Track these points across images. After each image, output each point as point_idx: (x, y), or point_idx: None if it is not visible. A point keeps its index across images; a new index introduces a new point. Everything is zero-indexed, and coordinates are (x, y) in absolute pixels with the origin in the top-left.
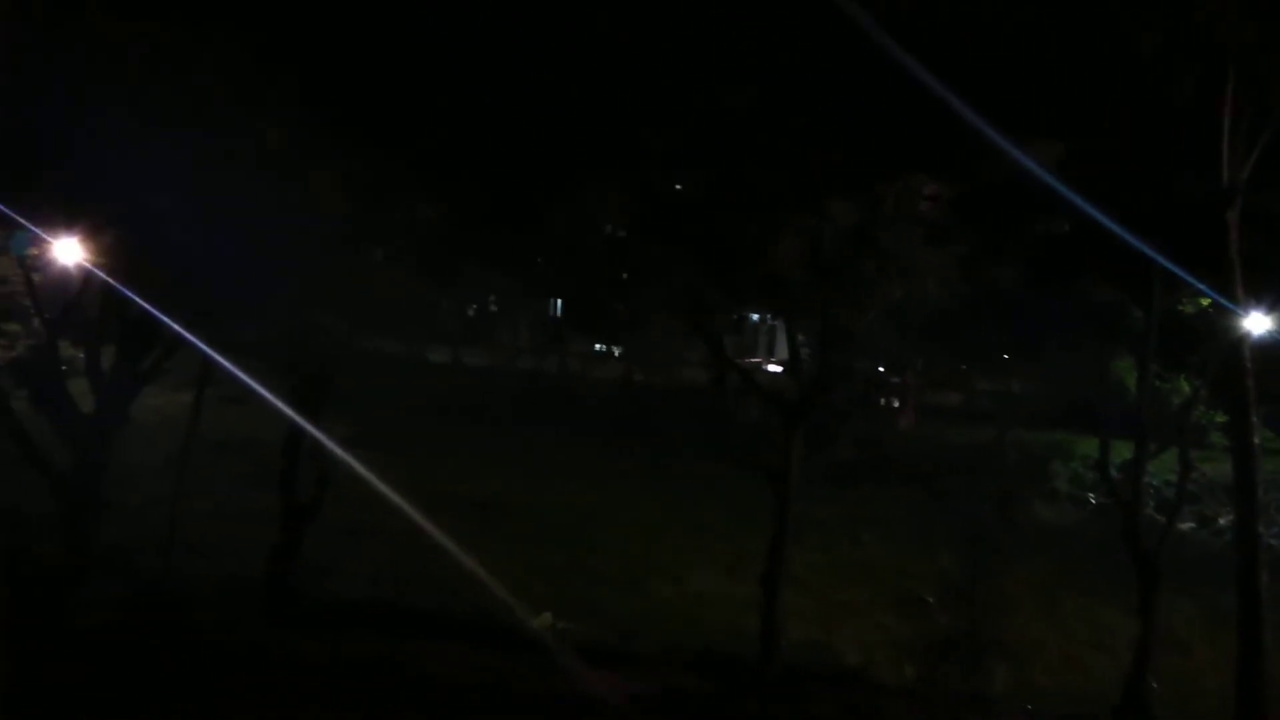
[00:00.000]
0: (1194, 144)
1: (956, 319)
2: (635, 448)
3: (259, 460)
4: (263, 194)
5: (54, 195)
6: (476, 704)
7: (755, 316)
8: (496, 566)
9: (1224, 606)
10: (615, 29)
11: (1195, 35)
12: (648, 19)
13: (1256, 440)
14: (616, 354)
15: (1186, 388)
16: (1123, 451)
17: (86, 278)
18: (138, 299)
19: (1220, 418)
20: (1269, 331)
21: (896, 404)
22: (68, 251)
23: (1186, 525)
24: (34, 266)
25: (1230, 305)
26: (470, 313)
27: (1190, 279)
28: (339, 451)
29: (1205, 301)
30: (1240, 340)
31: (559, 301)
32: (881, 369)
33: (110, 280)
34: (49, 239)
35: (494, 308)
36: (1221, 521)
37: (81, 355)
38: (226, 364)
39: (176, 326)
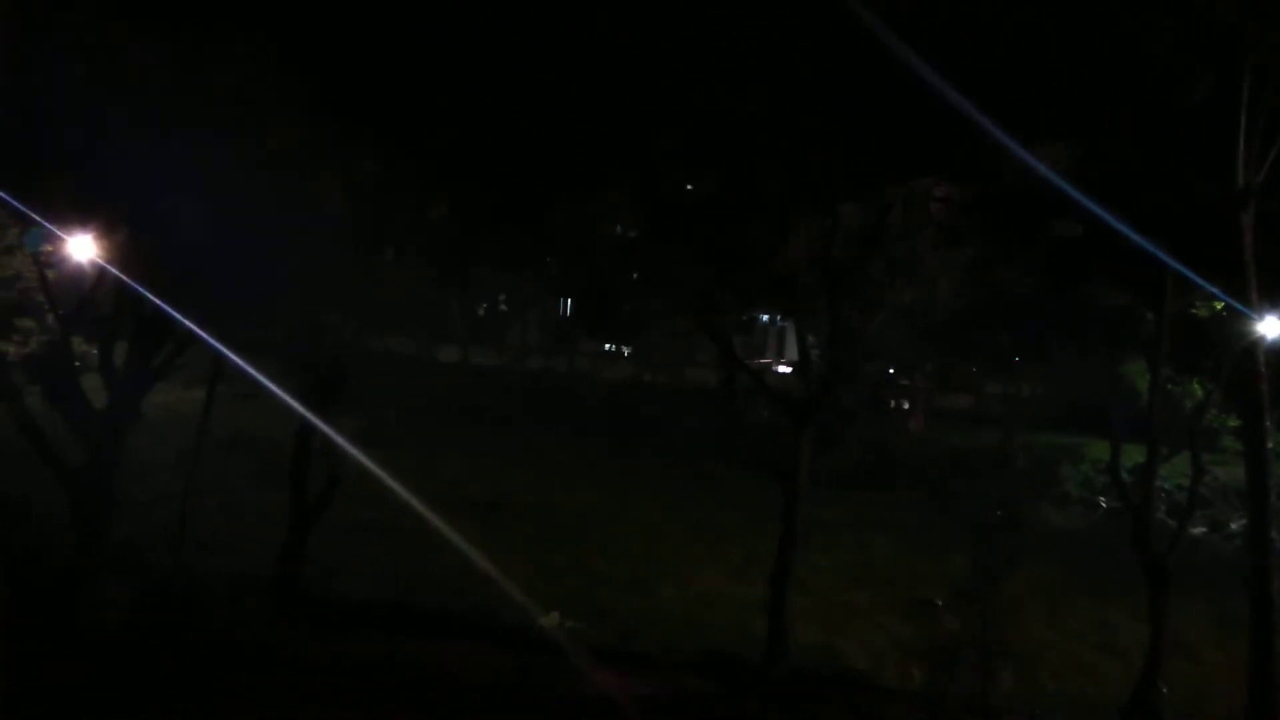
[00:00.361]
0: (1208, 146)
1: (966, 321)
2: (643, 448)
3: (269, 457)
4: (273, 194)
5: (68, 193)
6: (484, 703)
7: (764, 317)
8: (503, 566)
9: (1235, 612)
10: (624, 30)
11: (1210, 36)
12: (657, 20)
13: (1269, 445)
14: (625, 354)
15: (1199, 391)
16: (1133, 455)
17: (100, 275)
18: (150, 296)
19: (1233, 422)
20: None
21: (905, 406)
22: (81, 249)
23: (1198, 530)
24: (48, 263)
25: (1244, 309)
26: (479, 312)
27: (1203, 282)
28: (350, 450)
29: (1219, 305)
30: (1254, 344)
31: (568, 301)
32: (891, 371)
33: (123, 277)
34: (63, 236)
35: (503, 307)
36: (1233, 526)
37: (95, 352)
38: (238, 361)
39: (188, 324)
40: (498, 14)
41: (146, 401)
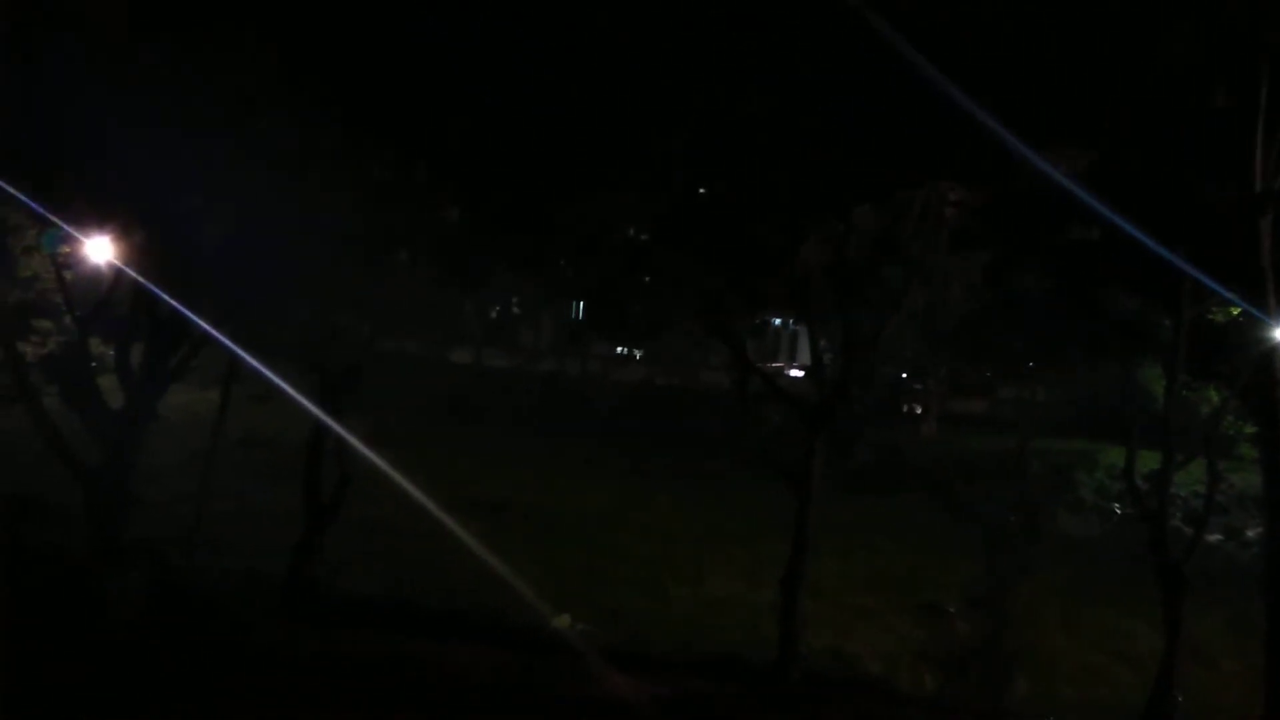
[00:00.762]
0: (1225, 151)
1: (979, 326)
2: (654, 450)
3: (282, 457)
4: (287, 196)
5: (86, 195)
6: (495, 704)
7: (777, 321)
8: (512, 566)
9: (1251, 619)
10: (636, 33)
11: (1228, 40)
12: (669, 23)
13: None
14: (638, 357)
15: (1215, 397)
16: (1149, 461)
17: (117, 276)
18: (167, 298)
19: (1249, 429)
20: None
21: (919, 411)
22: (99, 250)
23: (1214, 537)
24: (66, 264)
25: (1261, 315)
26: (492, 315)
27: (1220, 288)
28: (362, 450)
29: (1236, 310)
30: (1271, 350)
31: (580, 304)
32: (904, 375)
33: (140, 279)
34: (81, 237)
35: (516, 310)
36: (1249, 534)
37: (111, 352)
38: (253, 362)
39: (204, 325)
40: (509, 16)
41: (163, 402)
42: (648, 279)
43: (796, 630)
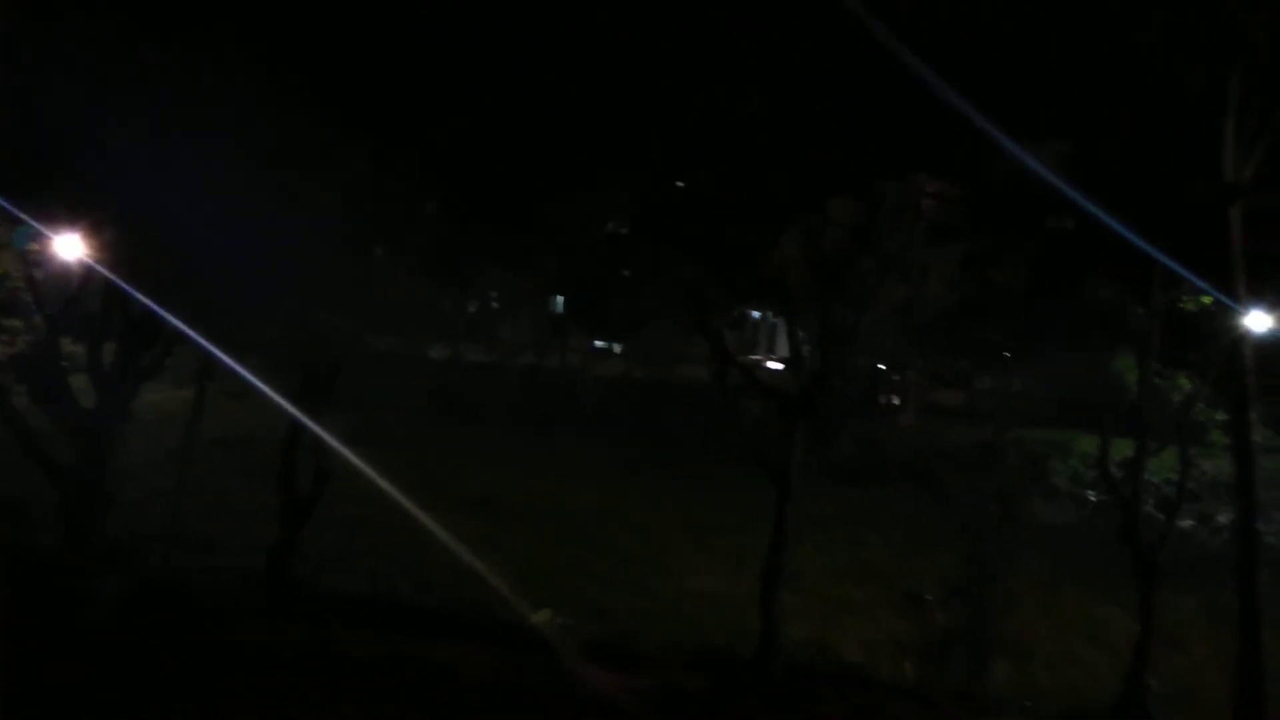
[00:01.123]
0: (1197, 142)
1: (957, 317)
2: (635, 444)
3: (259, 455)
4: (263, 191)
5: (56, 191)
6: (477, 701)
7: (756, 314)
8: (495, 563)
9: (1223, 604)
10: (617, 29)
11: (1200, 32)
12: (649, 17)
13: (1256, 438)
14: (617, 351)
15: (1187, 385)
16: (1122, 449)
17: (88, 273)
18: (139, 295)
19: (1220, 416)
20: (1270, 330)
21: (897, 402)
22: (69, 247)
23: (1186, 523)
24: (35, 262)
25: (1231, 303)
26: (471, 309)
27: (1192, 277)
28: (339, 447)
29: (1207, 299)
30: (1241, 338)
31: (560, 299)
32: (882, 367)
33: (111, 276)
34: (50, 234)
35: (495, 305)
36: (1221, 519)
37: (83, 351)
38: (228, 360)
39: (178, 323)
40: (490, 11)
41: (137, 401)
42: (628, 273)
43: (777, 622)
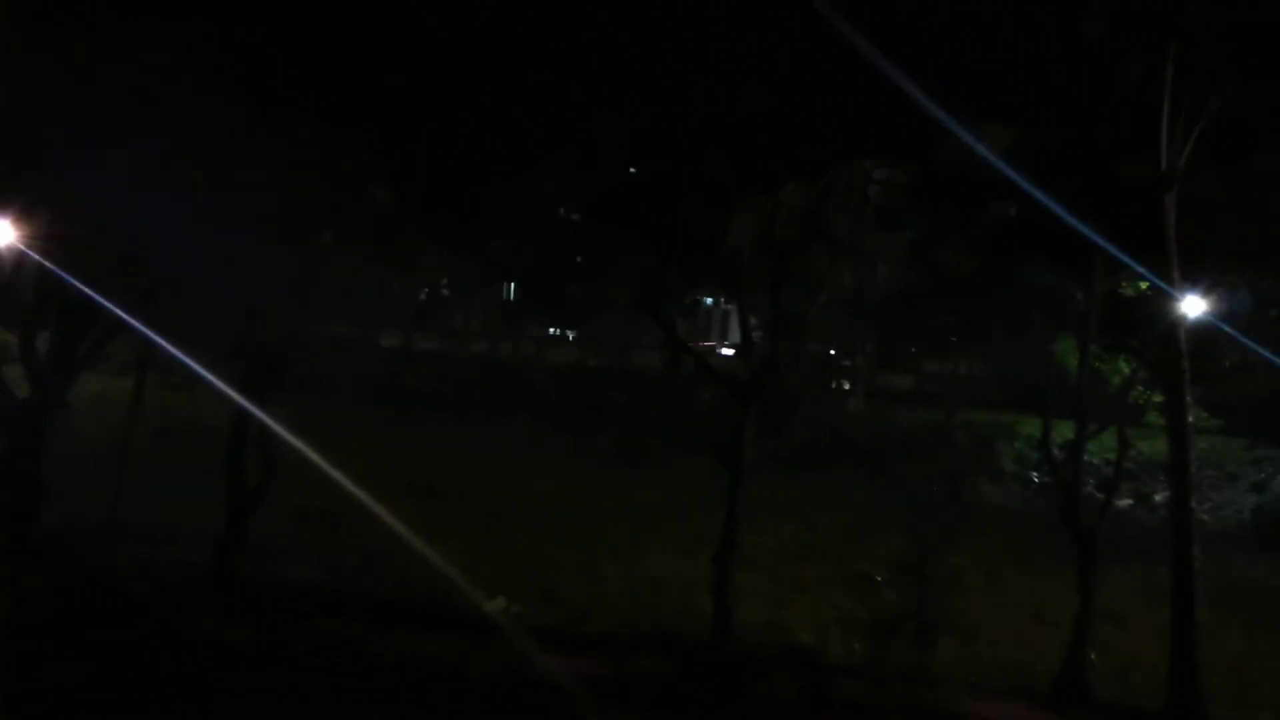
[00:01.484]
0: (1136, 130)
1: (906, 302)
2: (589, 431)
3: (203, 447)
4: (205, 173)
5: None
6: (428, 688)
7: (709, 300)
8: (448, 552)
9: (1159, 580)
10: (569, 11)
11: (1138, 22)
12: (600, 4)
13: (1190, 420)
14: (570, 338)
15: (1125, 368)
16: (1064, 431)
17: (19, 259)
18: (74, 281)
19: (1157, 398)
20: (1204, 314)
21: (846, 386)
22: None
23: (1124, 502)
24: None
25: (1167, 288)
26: (422, 296)
27: (1130, 261)
28: (287, 437)
29: (1144, 284)
30: (1176, 322)
31: (512, 285)
32: (832, 352)
33: (44, 262)
34: None
35: (445, 291)
36: (1157, 498)
37: (15, 339)
38: (169, 349)
39: (116, 310)
40: None
41: (74, 392)
42: (580, 259)
43: (730, 605)
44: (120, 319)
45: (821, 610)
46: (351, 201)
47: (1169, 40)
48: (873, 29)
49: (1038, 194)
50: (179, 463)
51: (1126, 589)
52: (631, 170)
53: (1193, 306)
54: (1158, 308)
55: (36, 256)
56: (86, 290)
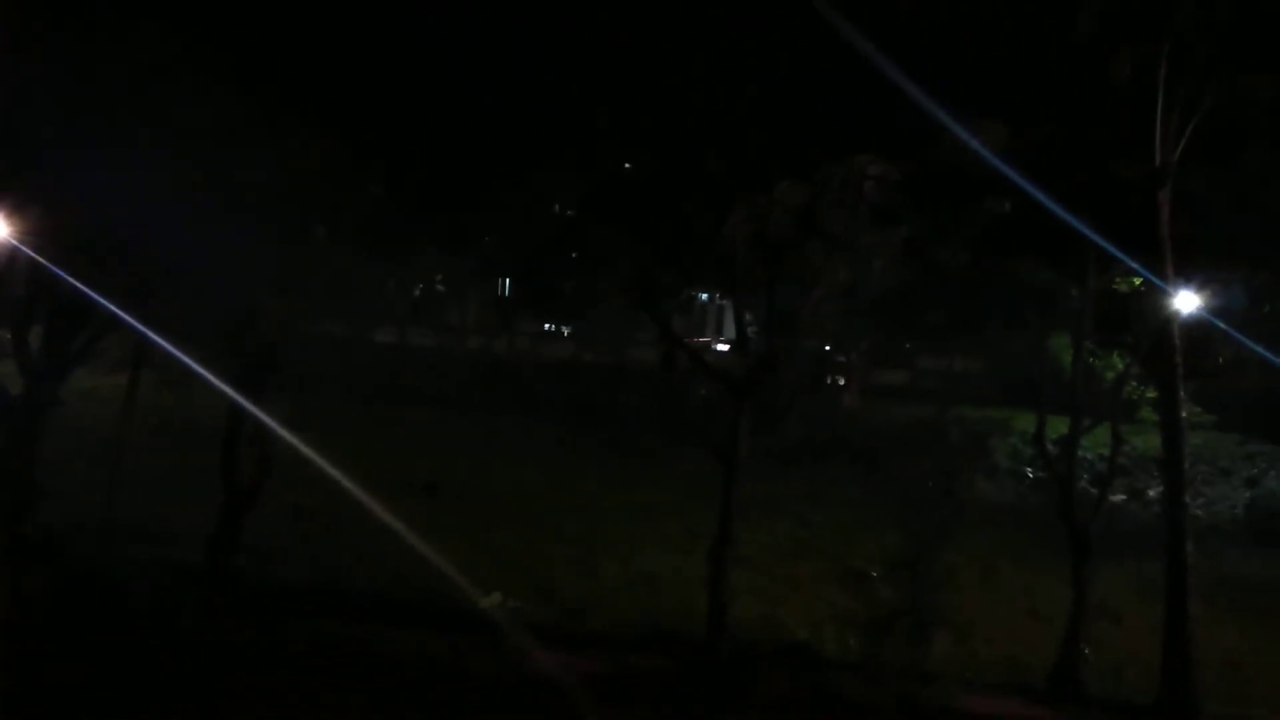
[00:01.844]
0: (1130, 126)
1: (901, 299)
2: (584, 427)
3: (197, 444)
4: (199, 170)
5: None
6: (426, 686)
7: (704, 296)
8: (444, 548)
9: (1153, 575)
10: (565, 11)
11: (1132, 19)
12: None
13: (1184, 415)
14: (566, 334)
15: (1119, 364)
16: (1059, 427)
17: (12, 255)
18: (67, 278)
19: (1151, 393)
20: (1197, 310)
21: (842, 382)
22: None
23: (1118, 498)
24: None
25: (1161, 284)
26: (417, 293)
27: (1124, 258)
28: (282, 434)
29: (1138, 280)
30: (1170, 318)
31: (507, 281)
32: (827, 348)
33: (37, 258)
34: None
35: (441, 288)
36: (1151, 494)
37: (7, 336)
38: (164, 345)
39: (110, 306)
40: None
41: (67, 388)
42: (575, 255)
43: (725, 602)
44: (114, 315)
45: (817, 607)
46: (347, 199)
47: (1162, 37)
48: (869, 27)
49: (1032, 190)
50: (174, 460)
51: (1120, 584)
52: (627, 167)
53: (1186, 302)
54: (1151, 303)
55: (30, 252)
56: (80, 286)
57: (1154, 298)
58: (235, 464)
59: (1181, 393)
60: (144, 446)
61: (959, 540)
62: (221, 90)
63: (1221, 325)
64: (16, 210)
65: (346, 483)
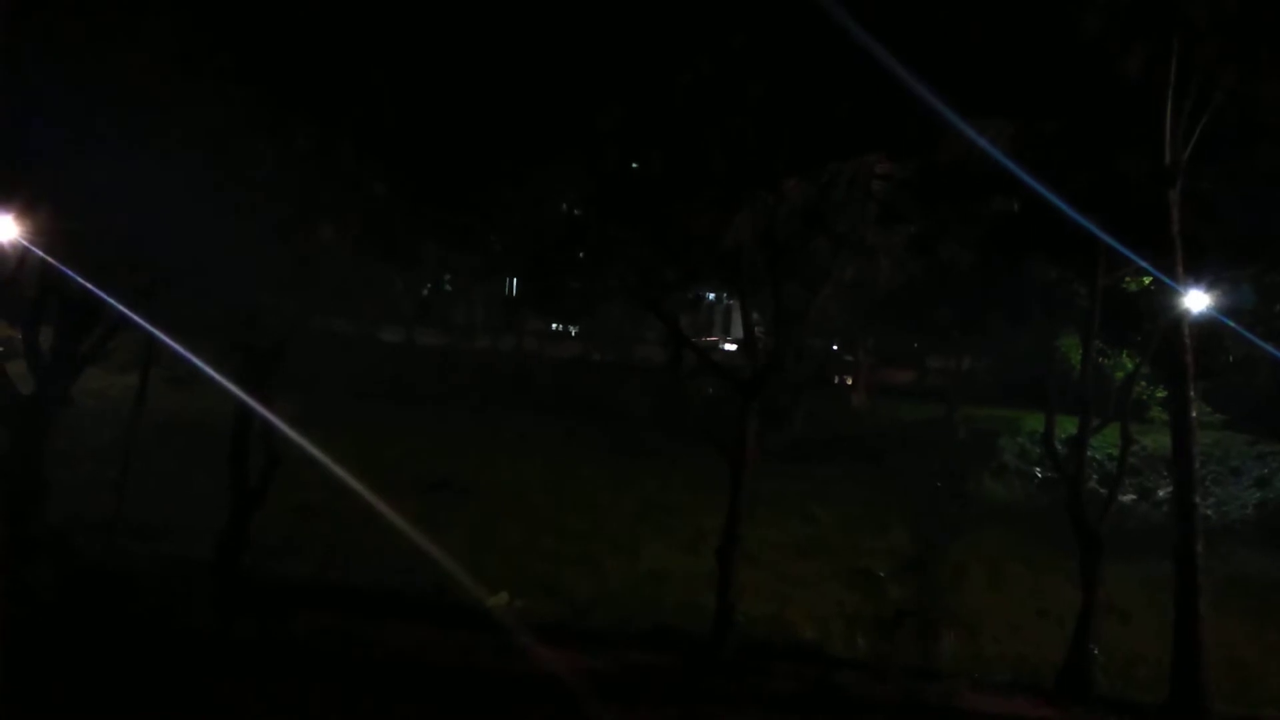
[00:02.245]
0: (1139, 124)
1: (908, 297)
2: (591, 425)
3: (205, 442)
4: (205, 169)
5: None
6: (432, 684)
7: (711, 295)
8: (451, 546)
9: (1163, 575)
10: (572, 7)
11: (1141, 16)
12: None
13: (1194, 414)
14: (573, 333)
15: (1129, 364)
16: (1068, 426)
17: (22, 256)
18: (77, 277)
19: (1160, 393)
20: (1207, 309)
21: (849, 381)
22: (3, 228)
23: (1128, 497)
24: None
25: (1171, 283)
26: (424, 292)
27: (1133, 256)
28: (290, 432)
29: (1147, 279)
30: (1180, 317)
31: (514, 280)
32: (834, 347)
33: (47, 258)
34: None
35: (448, 287)
36: (1161, 493)
37: (18, 336)
38: (172, 344)
39: (119, 305)
40: None
41: (77, 387)
42: (582, 254)
43: (733, 600)
44: (123, 314)
45: (824, 605)
46: (352, 197)
47: (1172, 34)
48: (876, 23)
49: (1041, 188)
50: (182, 458)
51: (1129, 584)
52: (633, 165)
53: (1196, 301)
54: (1161, 302)
55: (39, 252)
56: (89, 286)
57: (1164, 296)
58: (243, 462)
59: (1192, 392)
60: (153, 445)
61: (967, 539)
62: (230, 89)
63: (1232, 324)
64: (26, 210)
65: (354, 480)
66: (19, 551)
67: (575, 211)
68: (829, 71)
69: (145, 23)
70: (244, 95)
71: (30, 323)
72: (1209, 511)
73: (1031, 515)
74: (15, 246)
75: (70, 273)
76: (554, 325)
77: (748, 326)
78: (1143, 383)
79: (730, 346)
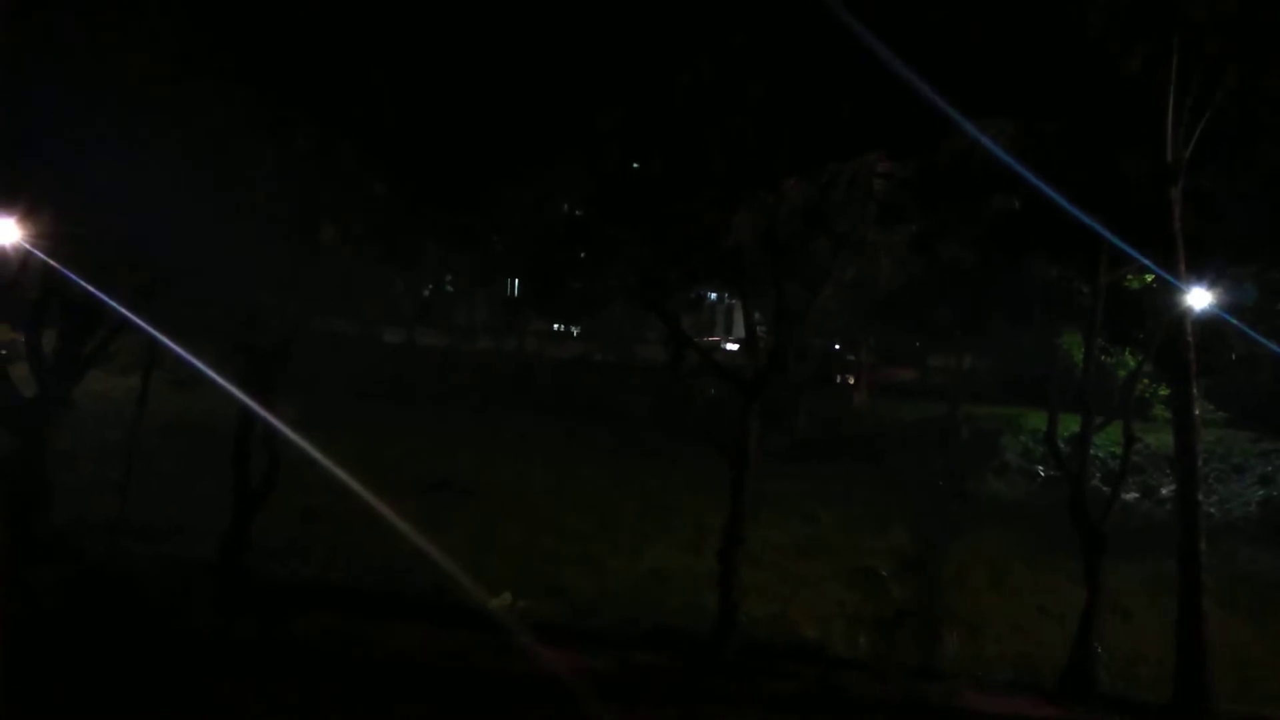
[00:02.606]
0: (1140, 123)
1: (910, 296)
2: (592, 425)
3: (207, 444)
4: (207, 171)
5: None
6: (433, 684)
7: (713, 295)
8: (453, 546)
9: (1166, 574)
10: (573, 7)
11: (1142, 13)
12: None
13: (1196, 412)
14: (574, 333)
15: (1131, 361)
16: (1070, 424)
17: (25, 259)
18: (79, 280)
19: (1163, 390)
20: (1209, 306)
21: (851, 381)
22: (4, 232)
23: (1131, 496)
24: None
25: (1173, 280)
26: (425, 293)
27: (1135, 254)
28: (291, 434)
29: (1149, 277)
30: (1182, 315)
31: (515, 281)
32: (836, 346)
33: (50, 261)
34: None
35: (450, 288)
36: (1163, 491)
37: (21, 339)
38: (174, 347)
39: (120, 308)
40: None
41: (80, 389)
42: (583, 255)
43: (735, 600)
44: (125, 317)
45: (826, 605)
46: (352, 198)
47: (1173, 32)
48: (877, 22)
49: (1042, 187)
50: (184, 460)
51: (1132, 582)
52: (634, 165)
53: (1199, 299)
54: (1163, 300)
55: (42, 255)
56: (91, 288)
57: (1166, 294)
58: (245, 463)
59: (1194, 390)
60: (156, 447)
61: (968, 538)
62: (230, 89)
63: (1234, 322)
64: (28, 213)
65: (355, 482)
66: (22, 552)
67: (576, 212)
68: (829, 71)
69: (145, 23)
70: (244, 96)
71: (33, 325)
72: (1212, 509)
73: (1033, 514)
74: (17, 249)
75: (72, 275)
76: (555, 326)
77: (749, 326)
78: (1145, 380)
79: (732, 346)
